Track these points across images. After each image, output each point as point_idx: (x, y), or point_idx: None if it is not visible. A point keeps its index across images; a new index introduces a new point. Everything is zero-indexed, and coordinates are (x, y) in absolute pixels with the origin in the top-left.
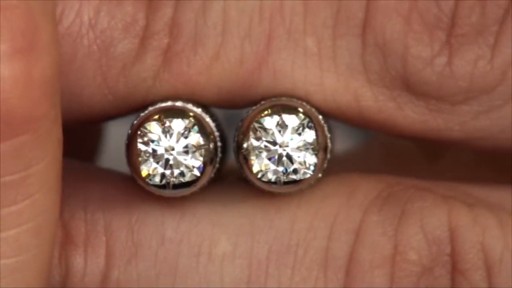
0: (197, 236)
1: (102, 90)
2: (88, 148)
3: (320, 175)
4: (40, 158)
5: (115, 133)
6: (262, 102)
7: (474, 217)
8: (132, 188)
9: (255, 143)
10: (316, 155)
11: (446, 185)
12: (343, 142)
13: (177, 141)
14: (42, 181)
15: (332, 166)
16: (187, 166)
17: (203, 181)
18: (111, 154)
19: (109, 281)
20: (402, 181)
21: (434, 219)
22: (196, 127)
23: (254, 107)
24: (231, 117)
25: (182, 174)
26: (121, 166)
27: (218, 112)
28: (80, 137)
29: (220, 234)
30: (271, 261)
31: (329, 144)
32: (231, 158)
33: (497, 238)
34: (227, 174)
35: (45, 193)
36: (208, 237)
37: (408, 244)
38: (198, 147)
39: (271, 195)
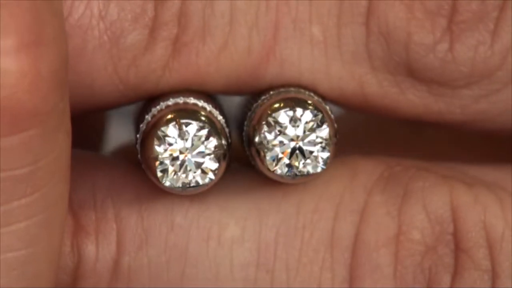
0: (206, 221)
1: (113, 80)
2: (89, 139)
3: None
4: (49, 151)
5: (116, 123)
6: (271, 93)
7: (475, 196)
8: (141, 175)
9: (268, 136)
10: (328, 150)
11: (444, 165)
12: None
13: (192, 144)
14: (51, 174)
15: None
16: (203, 170)
17: (217, 179)
18: (112, 145)
19: (120, 267)
20: (401, 161)
21: (436, 198)
22: (210, 129)
23: (263, 97)
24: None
25: (197, 176)
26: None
27: None
28: (83, 127)
29: (229, 219)
30: (279, 244)
31: (337, 136)
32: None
33: (498, 216)
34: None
35: (54, 186)
36: (217, 222)
37: (412, 224)
38: (213, 150)
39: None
